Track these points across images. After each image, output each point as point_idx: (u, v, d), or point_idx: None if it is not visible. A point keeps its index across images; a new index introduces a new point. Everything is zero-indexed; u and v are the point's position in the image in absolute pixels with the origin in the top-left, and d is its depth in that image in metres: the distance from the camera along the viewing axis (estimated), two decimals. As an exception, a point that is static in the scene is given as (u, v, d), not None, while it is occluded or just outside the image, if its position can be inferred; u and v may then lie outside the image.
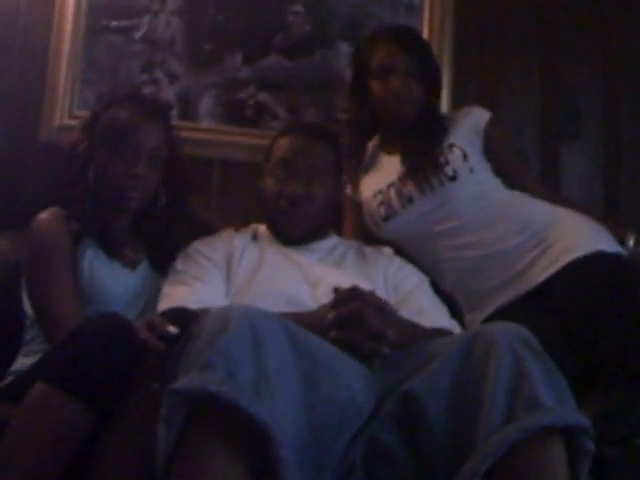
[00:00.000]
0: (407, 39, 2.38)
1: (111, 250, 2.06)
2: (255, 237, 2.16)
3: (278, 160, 2.12)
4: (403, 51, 2.31)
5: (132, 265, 2.10)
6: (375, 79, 2.33)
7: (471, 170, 2.25)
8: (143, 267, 2.13)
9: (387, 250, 2.20)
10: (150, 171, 2.07)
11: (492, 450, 1.39)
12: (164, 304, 1.92)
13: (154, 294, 2.04)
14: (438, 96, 2.42)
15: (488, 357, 1.49)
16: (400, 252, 2.23)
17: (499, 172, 2.34)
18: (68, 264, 1.98)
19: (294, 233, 2.11)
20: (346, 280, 1.93)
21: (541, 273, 2.15)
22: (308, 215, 2.09)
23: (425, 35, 2.74)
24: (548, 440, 1.43)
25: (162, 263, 2.12)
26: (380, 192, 2.31)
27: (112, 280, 2.03)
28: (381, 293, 1.95)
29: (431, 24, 2.77)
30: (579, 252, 2.13)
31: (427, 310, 1.99)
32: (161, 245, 2.17)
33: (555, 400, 1.45)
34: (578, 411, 1.47)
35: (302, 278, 2.00)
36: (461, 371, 1.52)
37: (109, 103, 2.15)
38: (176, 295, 1.93)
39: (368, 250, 2.18)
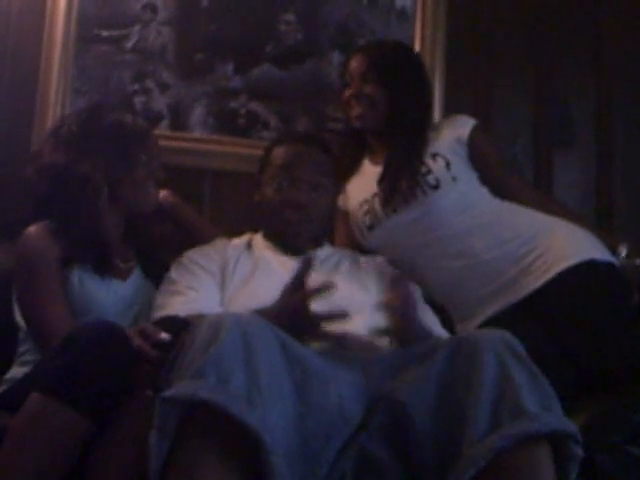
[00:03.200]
0: (372, 47, 2.42)
1: (103, 271, 2.04)
2: (249, 246, 2.15)
3: (278, 169, 2.12)
4: (364, 56, 2.35)
5: (123, 276, 2.09)
6: (345, 87, 2.37)
7: (454, 179, 2.23)
8: (134, 276, 2.12)
9: (380, 259, 2.20)
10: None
11: (476, 458, 1.39)
12: (158, 315, 1.91)
13: (146, 303, 2.04)
14: (415, 104, 2.36)
15: (472, 364, 1.49)
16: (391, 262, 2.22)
17: (486, 180, 2.33)
18: (57, 276, 1.97)
19: (298, 241, 2.10)
20: (340, 287, 1.93)
21: (533, 282, 2.14)
22: (313, 222, 2.11)
23: (417, 44, 2.75)
24: (534, 447, 1.43)
25: (154, 271, 2.13)
26: (366, 201, 2.32)
27: (103, 292, 2.02)
28: (375, 301, 1.96)
29: (423, 33, 2.77)
30: (572, 260, 2.12)
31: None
32: (152, 252, 2.19)
33: (540, 406, 1.45)
34: (564, 417, 1.47)
35: None
36: (446, 378, 1.52)
37: (95, 114, 2.12)
38: (171, 305, 1.92)
39: (362, 259, 2.18)
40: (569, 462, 1.48)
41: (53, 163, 2.05)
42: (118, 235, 2.13)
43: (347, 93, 2.35)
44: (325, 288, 1.63)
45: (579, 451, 1.48)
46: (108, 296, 2.03)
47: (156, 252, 2.22)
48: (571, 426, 1.46)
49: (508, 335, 1.56)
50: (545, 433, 1.43)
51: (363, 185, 2.36)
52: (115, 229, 2.11)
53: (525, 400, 1.44)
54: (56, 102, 2.57)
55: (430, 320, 2.04)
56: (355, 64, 2.36)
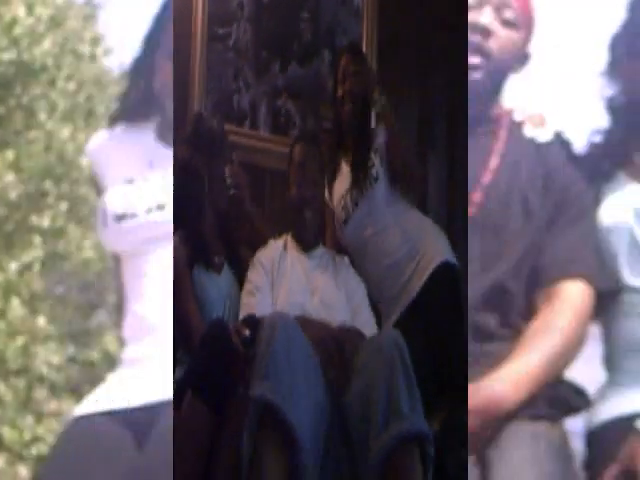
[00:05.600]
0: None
1: (208, 266, 2.15)
2: (285, 246, 2.23)
3: (295, 167, 2.21)
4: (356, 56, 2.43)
5: (218, 269, 2.18)
6: (339, 84, 2.41)
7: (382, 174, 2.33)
8: (226, 269, 2.21)
9: (346, 260, 2.31)
10: None
11: (377, 451, 1.58)
12: (242, 313, 2.06)
13: (235, 295, 2.17)
14: None
15: (376, 366, 1.68)
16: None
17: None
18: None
19: (311, 238, 2.23)
20: (331, 286, 2.16)
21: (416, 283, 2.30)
22: (320, 220, 2.26)
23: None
24: (409, 446, 1.61)
25: (238, 264, 2.25)
26: (342, 197, 2.40)
27: (208, 285, 2.14)
28: (344, 300, 2.16)
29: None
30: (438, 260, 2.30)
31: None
32: (238, 246, 2.28)
33: (409, 409, 1.61)
34: (423, 418, 1.65)
35: (305, 285, 2.15)
36: (367, 373, 1.72)
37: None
38: (247, 305, 2.07)
39: (338, 258, 2.30)
40: (429, 462, 1.63)
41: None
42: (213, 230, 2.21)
43: (341, 90, 2.38)
44: None
45: (432, 451, 1.63)
46: (212, 289, 2.14)
47: (241, 246, 2.29)
48: (428, 428, 1.64)
49: (400, 338, 1.72)
50: (414, 434, 1.59)
51: (342, 184, 2.42)
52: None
53: (402, 403, 1.60)
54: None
55: (364, 319, 2.16)
56: (352, 63, 2.38)
